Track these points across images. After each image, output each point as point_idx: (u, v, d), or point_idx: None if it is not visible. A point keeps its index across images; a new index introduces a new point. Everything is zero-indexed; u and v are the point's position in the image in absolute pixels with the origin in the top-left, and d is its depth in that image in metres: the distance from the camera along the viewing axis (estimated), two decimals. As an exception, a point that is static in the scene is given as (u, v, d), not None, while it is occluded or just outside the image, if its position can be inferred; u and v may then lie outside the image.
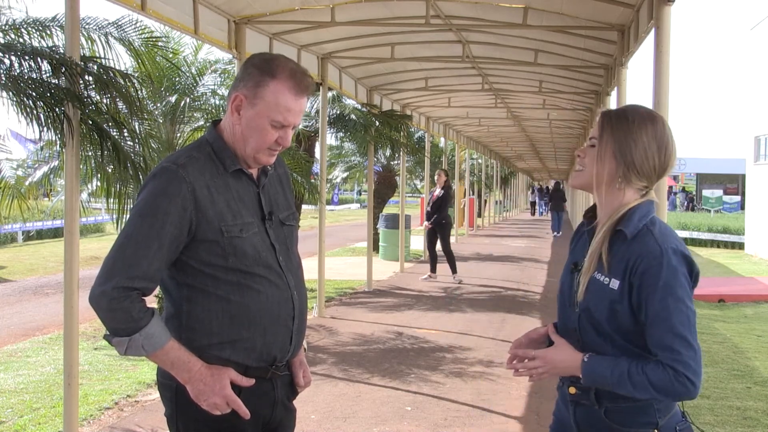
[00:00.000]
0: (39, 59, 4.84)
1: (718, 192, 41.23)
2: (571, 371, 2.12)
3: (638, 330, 2.04)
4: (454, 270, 13.42)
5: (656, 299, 1.99)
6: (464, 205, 26.90)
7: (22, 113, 4.64)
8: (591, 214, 2.26)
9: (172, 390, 2.28)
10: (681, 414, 2.15)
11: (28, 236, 22.35)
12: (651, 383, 1.97)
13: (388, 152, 18.22)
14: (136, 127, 5.98)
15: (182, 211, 2.18)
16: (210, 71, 9.08)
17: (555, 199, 26.85)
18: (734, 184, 48.34)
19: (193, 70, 8.95)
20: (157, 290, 5.97)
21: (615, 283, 2.05)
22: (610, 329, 2.07)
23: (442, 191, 13.55)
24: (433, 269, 13.57)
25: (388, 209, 19.70)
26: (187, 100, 8.49)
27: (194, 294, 2.26)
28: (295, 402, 2.53)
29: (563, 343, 2.16)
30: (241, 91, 2.28)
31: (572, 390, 2.18)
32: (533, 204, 48.34)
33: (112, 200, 5.73)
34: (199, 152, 2.30)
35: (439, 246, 13.60)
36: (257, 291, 2.27)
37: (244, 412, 2.23)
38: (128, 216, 2.33)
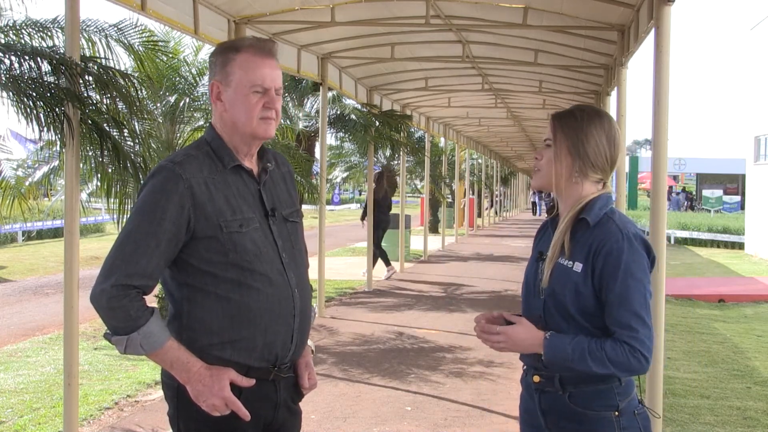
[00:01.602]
0: (39, 59, 4.83)
1: (718, 192, 41.12)
2: (533, 349, 2.22)
3: (599, 312, 2.17)
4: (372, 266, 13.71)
5: (618, 280, 2.13)
6: (464, 205, 26.90)
7: (22, 113, 4.64)
8: (554, 210, 2.39)
9: (173, 390, 2.29)
10: (638, 400, 2.28)
11: (28, 236, 22.32)
12: (609, 359, 2.12)
13: (388, 152, 18.23)
14: (136, 127, 5.98)
15: (180, 209, 2.20)
16: (210, 71, 9.08)
17: None
18: (734, 184, 48.27)
19: (194, 71, 8.95)
20: (158, 290, 5.90)
21: (578, 266, 2.19)
22: (574, 311, 2.19)
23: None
24: (386, 263, 13.78)
25: (388, 209, 19.66)
26: (187, 100, 8.50)
27: (194, 294, 2.26)
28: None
29: (525, 322, 2.26)
30: (215, 78, 2.34)
31: (536, 378, 2.31)
32: (534, 204, 48.35)
33: (112, 200, 5.73)
34: (197, 150, 2.33)
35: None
36: (257, 290, 2.26)
37: (244, 413, 2.23)
38: (129, 215, 2.36)
